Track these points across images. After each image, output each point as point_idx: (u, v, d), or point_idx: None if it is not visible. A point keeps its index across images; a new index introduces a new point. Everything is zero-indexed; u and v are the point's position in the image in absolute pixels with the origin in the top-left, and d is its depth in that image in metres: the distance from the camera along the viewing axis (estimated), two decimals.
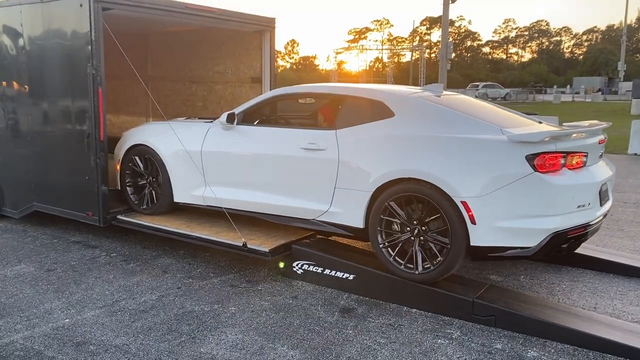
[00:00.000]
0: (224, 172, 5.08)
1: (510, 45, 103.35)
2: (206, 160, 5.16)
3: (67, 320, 3.91)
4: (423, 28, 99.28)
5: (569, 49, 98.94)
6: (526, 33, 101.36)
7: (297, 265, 4.68)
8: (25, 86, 5.86)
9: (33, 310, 4.07)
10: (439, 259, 3.95)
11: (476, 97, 42.69)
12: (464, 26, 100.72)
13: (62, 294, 4.39)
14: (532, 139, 3.74)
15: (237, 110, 5.08)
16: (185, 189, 5.34)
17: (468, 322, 3.85)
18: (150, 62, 8.84)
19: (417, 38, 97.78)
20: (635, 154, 13.31)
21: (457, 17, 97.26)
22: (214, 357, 3.37)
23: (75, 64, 5.31)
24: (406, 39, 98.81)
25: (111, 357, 3.38)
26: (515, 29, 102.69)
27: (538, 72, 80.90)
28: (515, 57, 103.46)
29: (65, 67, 5.45)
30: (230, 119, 4.99)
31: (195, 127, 5.37)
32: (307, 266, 4.62)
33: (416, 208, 4.05)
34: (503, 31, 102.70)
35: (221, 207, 5.04)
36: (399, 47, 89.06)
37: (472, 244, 3.83)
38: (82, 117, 5.34)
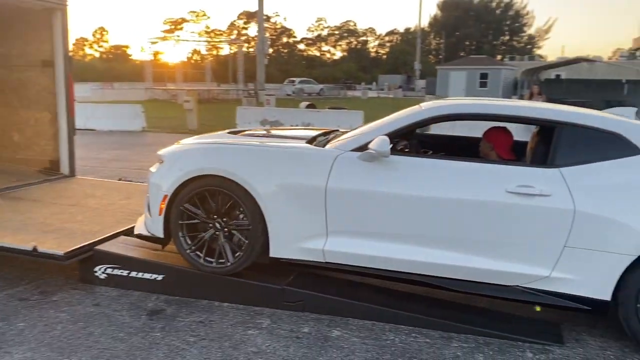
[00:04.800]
0: (366, 219, 3.74)
1: (323, 43, 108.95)
2: (334, 201, 3.76)
3: None
4: (240, 22, 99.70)
5: (374, 49, 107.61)
6: (337, 32, 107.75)
7: (99, 269, 4.30)
8: None
9: None
10: None
11: (293, 92, 43.34)
12: (280, 22, 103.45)
13: None
14: None
15: (382, 134, 3.75)
16: (292, 240, 3.89)
17: (279, 310, 3.92)
18: None
19: (235, 32, 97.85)
20: None
21: (273, 13, 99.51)
22: None
23: None
24: (224, 32, 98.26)
25: None
26: (327, 27, 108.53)
27: (348, 69, 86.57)
28: (328, 55, 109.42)
29: None
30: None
31: (310, 154, 3.91)
32: (111, 270, 4.28)
33: None
34: (316, 29, 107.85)
35: (355, 266, 3.84)
36: (217, 40, 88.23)
37: None
38: None
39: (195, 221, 4.05)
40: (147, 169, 4.54)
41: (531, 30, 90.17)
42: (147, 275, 4.19)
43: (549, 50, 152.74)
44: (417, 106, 4.12)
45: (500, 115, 3.81)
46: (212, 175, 3.91)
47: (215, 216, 4.00)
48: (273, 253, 3.92)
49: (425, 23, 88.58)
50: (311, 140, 4.28)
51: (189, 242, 4.07)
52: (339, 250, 3.80)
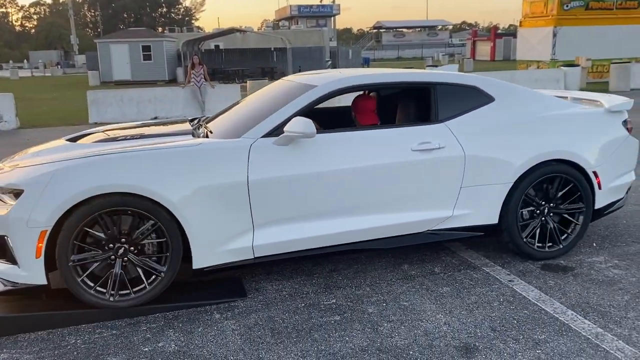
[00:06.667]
0: (295, 204, 3.67)
1: None
2: (258, 193, 3.57)
3: None
4: None
5: (19, 22, 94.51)
6: None
7: None
8: None
9: None
10: (568, 232, 4.31)
11: None
12: None
13: None
14: (626, 107, 4.51)
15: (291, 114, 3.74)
16: (216, 245, 3.57)
17: None
18: None
19: None
20: (95, 123, 13.96)
21: None
22: None
23: None
24: None
25: None
26: None
27: None
28: None
29: None
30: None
31: (221, 148, 3.58)
32: None
33: (551, 188, 4.22)
34: None
35: (288, 252, 3.73)
36: None
37: (596, 207, 4.34)
38: None
39: (89, 254, 3.40)
40: None
41: (187, 3, 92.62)
42: None
43: (206, 21, 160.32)
44: (287, 82, 4.34)
45: (393, 83, 4.18)
46: (109, 193, 3.29)
47: (122, 240, 3.44)
48: (197, 264, 3.58)
49: None
50: (192, 134, 4.08)
51: (91, 282, 3.43)
52: (269, 242, 3.68)
